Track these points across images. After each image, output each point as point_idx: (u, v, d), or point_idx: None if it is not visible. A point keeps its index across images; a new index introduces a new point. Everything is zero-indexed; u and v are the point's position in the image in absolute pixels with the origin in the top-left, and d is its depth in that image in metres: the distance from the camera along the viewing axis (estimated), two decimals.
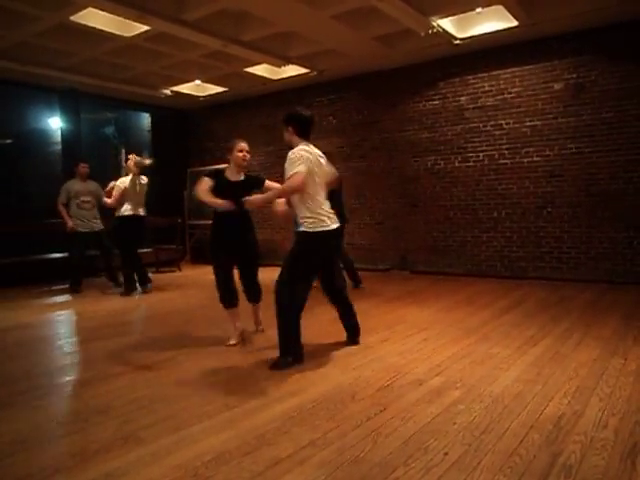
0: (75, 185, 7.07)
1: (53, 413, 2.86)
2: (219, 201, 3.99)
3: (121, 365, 3.72)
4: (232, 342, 4.17)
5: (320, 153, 3.76)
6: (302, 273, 3.61)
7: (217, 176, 4.13)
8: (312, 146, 3.71)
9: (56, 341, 4.65)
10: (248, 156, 4.18)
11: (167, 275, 9.02)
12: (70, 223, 6.92)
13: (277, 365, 3.51)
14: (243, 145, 4.16)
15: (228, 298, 4.22)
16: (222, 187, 4.07)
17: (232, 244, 4.20)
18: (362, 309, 5.46)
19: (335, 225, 3.69)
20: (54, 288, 7.45)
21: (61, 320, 5.59)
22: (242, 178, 4.18)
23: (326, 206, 3.70)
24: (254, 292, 4.40)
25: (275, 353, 3.62)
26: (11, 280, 7.67)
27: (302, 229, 3.61)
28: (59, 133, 9.33)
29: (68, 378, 3.52)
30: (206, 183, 4.06)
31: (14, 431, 2.60)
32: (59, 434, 2.58)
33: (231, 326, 4.26)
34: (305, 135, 3.71)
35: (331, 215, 3.70)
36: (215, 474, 2.11)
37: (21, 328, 5.11)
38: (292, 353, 3.57)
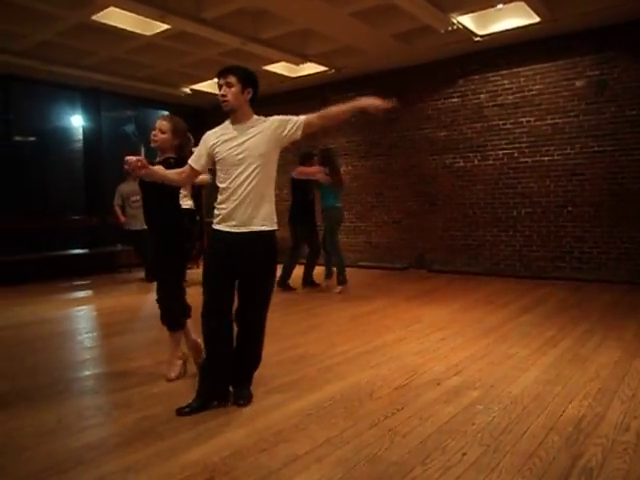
0: (125, 187, 7.56)
1: (74, 407, 2.91)
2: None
3: (140, 360, 3.76)
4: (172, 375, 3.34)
5: (249, 123, 2.86)
6: (203, 275, 2.89)
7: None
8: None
9: (77, 336, 4.72)
10: (159, 135, 3.42)
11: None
12: (122, 219, 7.56)
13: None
14: (158, 123, 3.45)
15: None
16: None
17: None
18: (379, 308, 5.46)
19: (222, 227, 2.79)
20: (75, 284, 7.57)
21: (81, 315, 5.67)
22: (160, 159, 3.39)
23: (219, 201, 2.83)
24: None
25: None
26: (33, 276, 7.81)
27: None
28: (81, 131, 9.47)
29: (88, 372, 3.57)
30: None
31: (37, 424, 2.65)
32: (80, 427, 2.62)
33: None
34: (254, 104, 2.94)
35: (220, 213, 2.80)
36: (232, 470, 2.13)
37: (42, 323, 5.20)
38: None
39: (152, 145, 3.39)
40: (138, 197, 7.31)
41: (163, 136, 3.37)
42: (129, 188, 7.54)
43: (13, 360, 3.89)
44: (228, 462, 2.19)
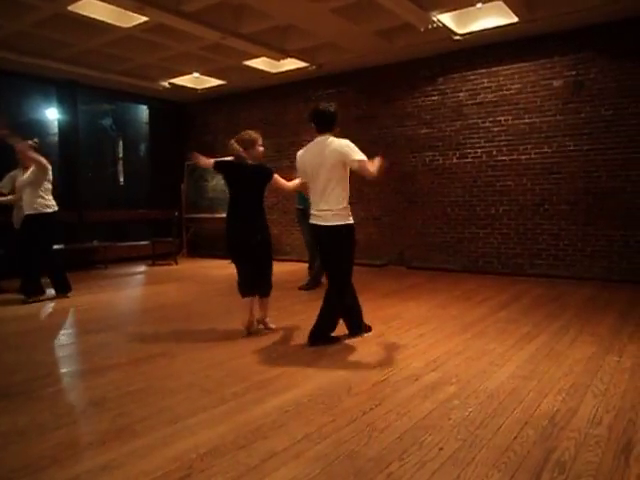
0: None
1: (49, 404, 2.86)
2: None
3: (116, 357, 3.71)
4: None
5: (326, 143, 3.81)
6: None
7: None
8: (322, 138, 3.84)
9: (53, 333, 4.63)
10: None
11: (163, 268, 9.01)
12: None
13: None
14: (260, 138, 4.30)
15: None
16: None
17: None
18: None
19: (319, 222, 3.85)
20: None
21: (58, 312, 5.57)
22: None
23: (317, 203, 3.86)
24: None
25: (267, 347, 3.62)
26: (10, 271, 7.63)
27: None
28: (56, 124, 9.29)
29: (64, 370, 3.51)
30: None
31: (11, 422, 2.60)
32: (55, 425, 2.57)
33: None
34: (321, 129, 3.87)
35: (319, 212, 3.84)
36: (210, 467, 2.11)
37: (18, 319, 5.10)
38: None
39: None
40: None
41: None
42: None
43: None
44: (206, 459, 2.18)
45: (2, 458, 2.24)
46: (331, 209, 3.79)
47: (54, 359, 3.82)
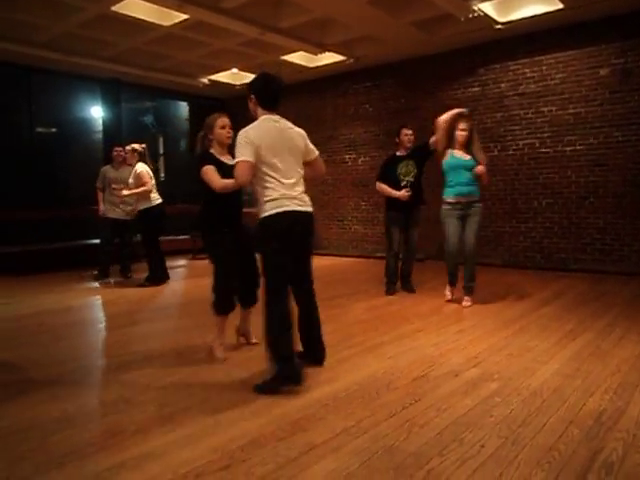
0: (111, 172, 7.01)
1: (97, 393, 2.96)
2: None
3: (160, 348, 3.81)
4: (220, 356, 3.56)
5: (288, 126, 3.22)
6: (272, 266, 3.04)
7: (214, 160, 3.54)
8: (278, 117, 3.21)
9: (98, 324, 4.80)
10: (232, 132, 3.56)
11: (203, 262, 9.16)
12: (101, 207, 7.06)
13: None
14: (226, 120, 3.67)
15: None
16: (222, 172, 3.44)
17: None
18: (396, 299, 5.45)
19: (300, 208, 3.04)
20: (95, 273, 7.66)
21: (103, 304, 5.75)
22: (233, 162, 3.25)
23: (291, 188, 3.05)
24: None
25: None
26: (57, 264, 7.95)
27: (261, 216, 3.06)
28: (100, 122, 9.58)
29: (110, 360, 3.63)
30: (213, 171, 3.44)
31: (61, 409, 2.70)
32: (102, 413, 2.67)
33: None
34: (270, 105, 3.19)
35: (297, 198, 3.06)
36: (250, 458, 2.14)
37: (65, 311, 5.30)
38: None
39: (229, 143, 3.58)
40: (122, 185, 6.66)
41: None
42: (112, 174, 6.97)
43: (38, 347, 3.96)
44: (246, 450, 2.21)
45: (53, 443, 2.33)
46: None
47: (102, 349, 3.95)
